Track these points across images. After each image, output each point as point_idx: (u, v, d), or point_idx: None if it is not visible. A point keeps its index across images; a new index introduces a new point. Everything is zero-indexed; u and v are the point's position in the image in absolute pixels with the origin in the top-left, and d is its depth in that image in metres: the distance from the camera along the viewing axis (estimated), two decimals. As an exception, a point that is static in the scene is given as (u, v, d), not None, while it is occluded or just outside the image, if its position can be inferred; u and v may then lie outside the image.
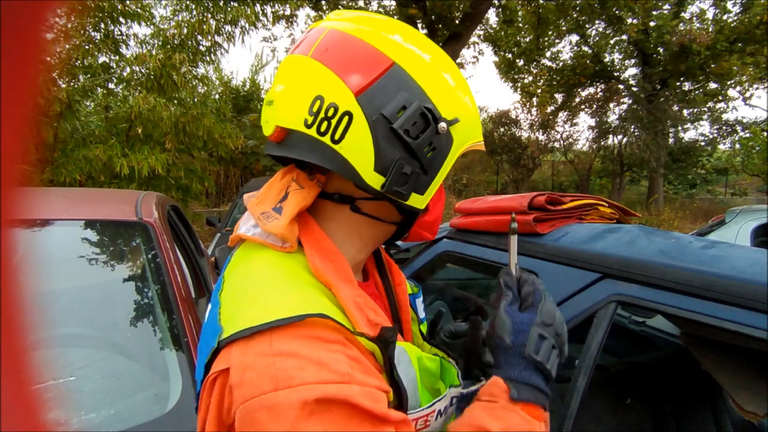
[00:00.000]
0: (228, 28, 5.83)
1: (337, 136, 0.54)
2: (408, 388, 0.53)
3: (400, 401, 0.53)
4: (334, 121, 0.54)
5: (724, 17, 10.88)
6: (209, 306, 0.58)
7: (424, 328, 0.75)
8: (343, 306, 0.53)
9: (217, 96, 7.02)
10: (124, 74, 5.63)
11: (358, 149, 0.54)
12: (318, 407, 0.44)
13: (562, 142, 14.19)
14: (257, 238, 0.57)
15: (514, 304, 0.61)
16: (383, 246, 0.72)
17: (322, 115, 0.54)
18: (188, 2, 5.78)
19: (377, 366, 0.52)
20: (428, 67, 0.57)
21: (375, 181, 0.55)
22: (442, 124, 0.55)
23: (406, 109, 0.54)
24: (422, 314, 0.77)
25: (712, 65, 11.01)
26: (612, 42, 12.78)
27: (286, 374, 0.44)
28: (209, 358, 0.50)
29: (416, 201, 0.58)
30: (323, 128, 0.54)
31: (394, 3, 10.31)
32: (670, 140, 12.68)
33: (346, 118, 0.53)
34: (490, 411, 0.54)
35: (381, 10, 10.94)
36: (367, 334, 0.51)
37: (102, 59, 5.56)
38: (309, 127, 0.55)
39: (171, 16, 5.89)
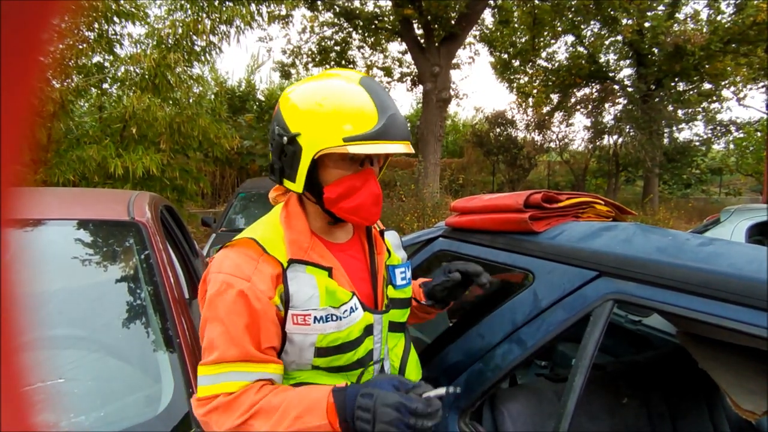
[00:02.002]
0: (223, 27, 5.80)
1: None
2: (297, 296, 0.86)
3: (287, 300, 0.86)
4: None
5: (718, 18, 10.93)
6: None
7: (394, 291, 1.03)
8: (284, 240, 0.90)
9: (212, 96, 6.98)
10: (119, 74, 5.59)
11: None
12: (226, 288, 0.83)
13: (557, 142, 14.21)
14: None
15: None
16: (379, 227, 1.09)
17: None
18: (183, 2, 5.75)
19: (281, 276, 0.86)
20: (289, 103, 0.89)
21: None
22: (284, 138, 0.88)
23: (274, 132, 0.91)
24: (398, 282, 1.04)
25: (707, 66, 11.04)
26: (607, 42, 12.81)
27: (222, 265, 0.87)
28: None
29: (290, 185, 0.91)
30: None
31: (390, 3, 10.30)
32: (665, 140, 12.72)
33: None
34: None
35: (377, 10, 10.93)
36: (276, 257, 0.87)
37: (96, 59, 5.52)
38: None
39: (166, 16, 5.85)
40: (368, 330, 0.94)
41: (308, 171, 0.88)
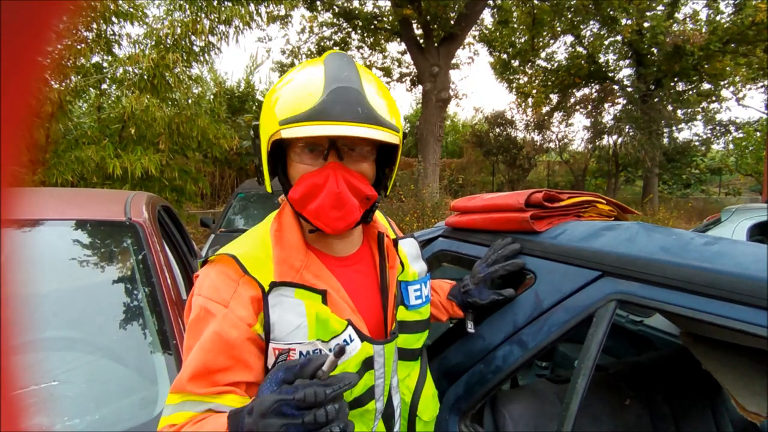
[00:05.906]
0: (222, 27, 5.79)
1: None
2: (278, 325, 0.73)
3: (267, 330, 0.73)
4: None
5: (717, 18, 10.94)
6: None
7: (406, 312, 0.90)
8: (273, 259, 0.76)
9: (211, 96, 6.97)
10: (117, 74, 5.57)
11: None
12: (202, 314, 0.72)
13: (557, 142, 14.24)
14: None
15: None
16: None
17: None
18: (182, 2, 5.73)
19: (261, 302, 0.73)
20: (267, 95, 0.77)
21: None
22: (251, 131, 0.80)
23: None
24: (411, 301, 0.90)
25: (706, 65, 11.06)
26: (606, 43, 12.83)
27: (201, 287, 0.75)
28: None
29: (266, 186, 0.80)
30: None
31: (389, 3, 10.29)
32: (665, 140, 12.74)
33: None
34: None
35: (376, 11, 10.93)
36: (258, 279, 0.74)
37: (95, 59, 5.51)
38: None
39: (164, 16, 5.84)
40: (368, 363, 0.80)
41: (280, 169, 0.79)
